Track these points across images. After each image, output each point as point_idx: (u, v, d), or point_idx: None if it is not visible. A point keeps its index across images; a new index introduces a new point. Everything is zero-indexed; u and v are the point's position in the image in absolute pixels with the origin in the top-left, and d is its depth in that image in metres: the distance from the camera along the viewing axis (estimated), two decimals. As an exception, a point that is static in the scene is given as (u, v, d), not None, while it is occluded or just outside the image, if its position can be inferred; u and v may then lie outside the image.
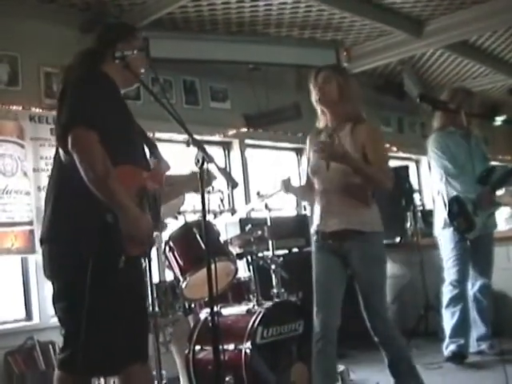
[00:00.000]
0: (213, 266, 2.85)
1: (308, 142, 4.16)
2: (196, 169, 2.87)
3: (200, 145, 2.83)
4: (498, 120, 4.84)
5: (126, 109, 3.01)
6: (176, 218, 5.12)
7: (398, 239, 7.16)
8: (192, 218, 5.37)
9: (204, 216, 2.93)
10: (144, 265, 3.19)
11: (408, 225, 7.13)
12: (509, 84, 9.87)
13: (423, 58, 8.61)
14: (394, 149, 9.27)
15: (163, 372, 4.33)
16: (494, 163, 6.47)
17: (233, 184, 2.86)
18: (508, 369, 4.98)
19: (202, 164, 2.81)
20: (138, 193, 2.87)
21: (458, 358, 5.38)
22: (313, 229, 4.04)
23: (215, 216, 6.34)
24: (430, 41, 7.60)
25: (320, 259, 4.02)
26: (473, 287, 5.66)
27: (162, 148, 3.26)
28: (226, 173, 2.88)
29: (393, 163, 9.41)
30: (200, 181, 2.85)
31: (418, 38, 7.51)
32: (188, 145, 2.88)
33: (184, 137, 3.01)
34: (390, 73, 9.10)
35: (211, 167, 2.87)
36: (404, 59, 8.39)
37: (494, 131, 10.76)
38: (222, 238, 4.86)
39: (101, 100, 2.83)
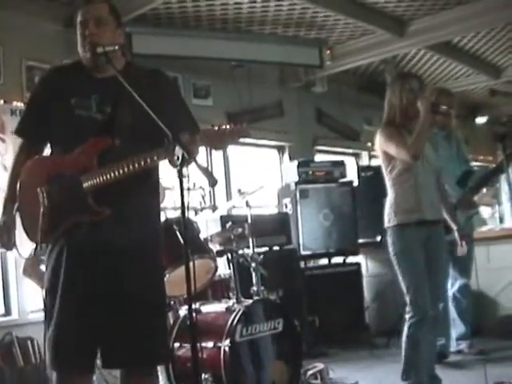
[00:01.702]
0: (191, 264, 2.81)
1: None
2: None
3: (180, 141, 2.79)
4: (479, 120, 4.86)
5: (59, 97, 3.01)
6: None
7: (378, 238, 7.18)
8: (172, 214, 5.37)
9: (183, 213, 2.89)
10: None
11: (385, 225, 7.16)
12: (491, 85, 9.90)
13: (406, 58, 8.64)
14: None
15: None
16: (475, 164, 6.50)
17: (212, 182, 2.83)
18: (487, 368, 5.03)
19: (182, 161, 2.79)
20: (48, 181, 2.91)
21: (439, 357, 5.40)
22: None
23: (196, 213, 6.33)
24: (413, 41, 7.61)
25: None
26: (452, 287, 5.71)
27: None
28: (205, 170, 2.84)
29: (375, 162, 9.44)
30: (179, 178, 2.81)
31: (401, 38, 7.51)
32: (168, 141, 2.85)
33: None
34: (373, 72, 9.12)
35: (191, 165, 2.83)
36: (387, 59, 8.39)
37: (475, 132, 10.83)
38: (202, 235, 4.85)
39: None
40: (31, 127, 3.12)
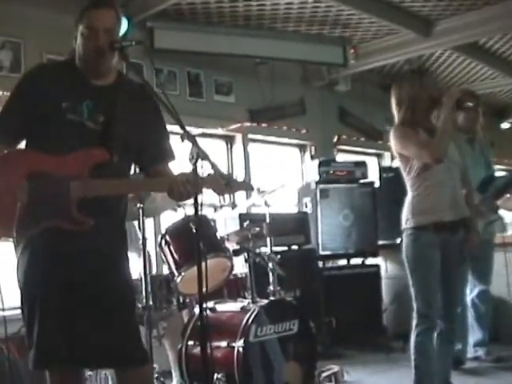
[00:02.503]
0: (203, 264, 2.79)
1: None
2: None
3: (194, 140, 2.77)
4: (505, 124, 4.78)
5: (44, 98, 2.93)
6: (175, 210, 5.10)
7: (398, 240, 7.10)
8: (192, 211, 5.34)
9: (196, 211, 2.87)
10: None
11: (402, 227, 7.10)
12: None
13: (431, 59, 8.54)
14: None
15: (155, 366, 4.31)
16: (499, 168, 6.43)
17: (227, 182, 2.81)
18: (504, 375, 4.97)
19: (196, 160, 2.76)
20: (29, 177, 2.80)
21: (456, 363, 5.33)
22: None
23: (215, 210, 6.32)
24: (439, 41, 7.54)
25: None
26: (471, 293, 5.64)
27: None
28: (218, 170, 2.81)
29: (397, 163, 9.36)
30: (194, 176, 2.79)
31: (427, 38, 7.44)
32: (182, 139, 2.83)
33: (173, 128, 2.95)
34: (398, 72, 9.04)
35: (205, 164, 2.81)
36: (412, 59, 8.32)
37: (500, 135, 10.71)
38: (220, 234, 4.82)
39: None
40: (8, 128, 2.98)
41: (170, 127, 2.98)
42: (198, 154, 2.74)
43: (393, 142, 4.13)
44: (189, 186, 2.81)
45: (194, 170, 2.77)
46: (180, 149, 2.92)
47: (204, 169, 2.79)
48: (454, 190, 4.09)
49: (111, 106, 2.93)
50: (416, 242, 4.03)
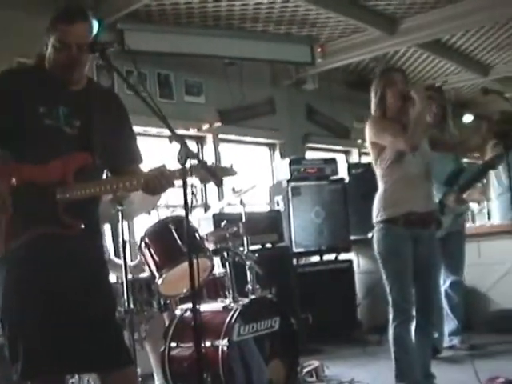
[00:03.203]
0: (187, 264, 2.82)
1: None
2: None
3: (183, 141, 2.80)
4: (468, 117, 4.89)
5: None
6: (149, 213, 5.11)
7: (370, 235, 7.20)
8: (165, 212, 5.37)
9: (186, 213, 2.91)
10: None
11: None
12: (479, 82, 9.95)
13: (396, 56, 8.67)
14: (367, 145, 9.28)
15: (138, 369, 4.31)
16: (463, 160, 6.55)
17: (217, 182, 2.84)
18: (479, 362, 5.08)
19: (185, 161, 2.79)
20: (12, 189, 2.82)
21: (433, 352, 5.44)
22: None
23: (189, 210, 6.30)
24: (404, 39, 7.66)
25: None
26: (444, 283, 5.74)
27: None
28: (210, 169, 2.84)
29: (365, 159, 9.48)
30: (182, 176, 2.82)
31: (392, 36, 7.55)
32: (170, 141, 2.87)
33: (158, 130, 2.98)
34: (363, 69, 9.15)
35: (194, 164, 2.84)
36: (377, 56, 8.43)
37: (463, 129, 10.84)
38: (198, 234, 4.85)
39: None
40: None
41: (155, 129, 3.03)
42: (187, 155, 2.77)
43: (368, 132, 4.17)
44: (163, 180, 2.85)
45: (184, 170, 2.80)
46: (168, 150, 2.95)
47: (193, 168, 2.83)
48: (424, 183, 4.17)
49: (85, 110, 2.96)
50: (387, 235, 4.09)
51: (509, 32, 8.07)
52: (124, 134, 3.13)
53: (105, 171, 3.18)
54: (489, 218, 7.78)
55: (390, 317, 4.14)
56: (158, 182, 2.85)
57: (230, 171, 3.18)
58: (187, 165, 2.74)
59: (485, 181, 7.28)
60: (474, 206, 8.82)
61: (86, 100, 2.97)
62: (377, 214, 4.15)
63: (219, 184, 2.82)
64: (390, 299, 4.14)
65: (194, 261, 2.79)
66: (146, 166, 3.09)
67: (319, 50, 7.75)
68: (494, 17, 7.27)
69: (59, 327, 2.81)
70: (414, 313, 4.14)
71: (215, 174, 2.82)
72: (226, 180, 3.20)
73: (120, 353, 2.98)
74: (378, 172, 4.18)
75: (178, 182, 2.86)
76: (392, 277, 4.11)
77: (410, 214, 4.07)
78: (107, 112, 3.03)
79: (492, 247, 6.65)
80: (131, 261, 5.66)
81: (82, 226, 2.86)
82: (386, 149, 4.10)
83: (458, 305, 5.84)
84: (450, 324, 5.83)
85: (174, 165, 2.86)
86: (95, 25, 3.25)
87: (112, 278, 4.53)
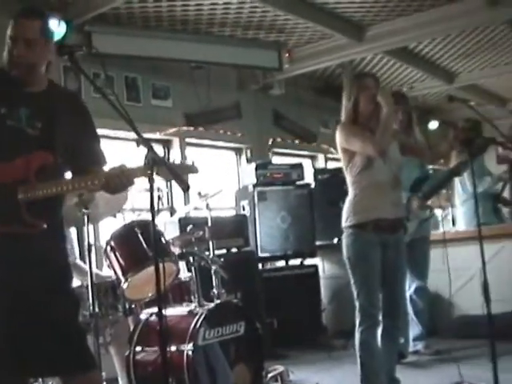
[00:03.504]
0: (152, 269, 2.82)
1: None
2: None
3: (150, 145, 2.80)
4: (432, 124, 4.94)
5: None
6: (114, 216, 5.09)
7: (335, 240, 7.24)
8: (131, 216, 5.35)
9: (152, 217, 2.90)
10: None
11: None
12: (445, 90, 10.06)
13: (363, 62, 8.72)
14: (333, 151, 9.33)
15: (102, 374, 4.29)
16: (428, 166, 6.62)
17: (184, 187, 2.83)
18: (443, 367, 5.13)
19: (153, 166, 2.79)
20: None
21: (398, 357, 5.48)
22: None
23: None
24: (371, 46, 7.71)
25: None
26: (409, 289, 5.78)
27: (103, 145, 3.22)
28: (177, 175, 2.84)
29: (331, 165, 9.53)
30: (150, 182, 2.82)
31: (359, 43, 7.59)
32: (138, 145, 2.87)
33: (125, 134, 2.98)
34: (330, 75, 9.19)
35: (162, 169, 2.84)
36: (344, 63, 8.47)
37: (429, 135, 10.95)
38: (164, 238, 4.83)
39: None
40: None
41: (122, 133, 3.02)
42: (154, 159, 2.77)
43: (338, 138, 4.20)
44: (123, 178, 2.85)
45: (151, 175, 2.80)
46: (135, 153, 2.95)
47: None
48: (393, 190, 4.19)
49: (46, 112, 2.97)
50: (356, 241, 4.11)
51: (474, 41, 8.18)
52: (87, 136, 3.13)
53: (68, 173, 3.17)
54: (454, 224, 7.84)
55: (357, 321, 4.16)
56: (119, 180, 2.87)
57: (191, 169, 3.18)
58: (150, 163, 2.74)
59: (449, 188, 7.36)
60: (438, 212, 8.90)
61: (48, 102, 2.98)
62: (346, 219, 4.16)
63: (185, 189, 2.82)
64: (357, 304, 4.15)
65: (160, 265, 2.79)
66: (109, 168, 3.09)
67: (286, 55, 7.78)
68: (460, 26, 7.36)
69: (21, 327, 2.80)
70: (380, 318, 4.16)
71: (181, 177, 2.82)
72: (190, 179, 3.20)
73: (83, 356, 2.96)
74: (349, 178, 4.20)
75: (144, 185, 2.86)
76: (360, 282, 4.13)
77: (379, 221, 4.10)
78: (70, 114, 3.03)
79: (457, 253, 6.70)
80: (96, 265, 5.64)
81: (45, 226, 2.85)
82: (357, 155, 4.13)
83: (422, 310, 5.89)
84: (414, 329, 5.87)
85: (134, 164, 2.88)
86: (63, 25, 3.24)
87: (76, 281, 4.50)
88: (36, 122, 2.94)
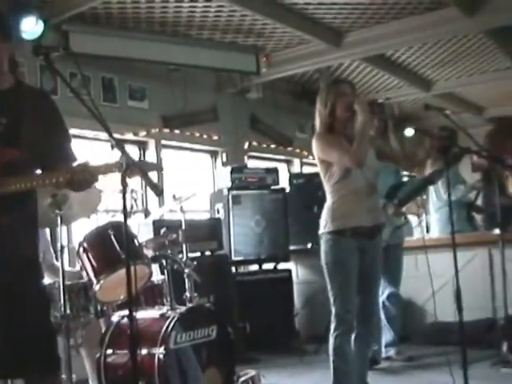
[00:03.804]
0: (124, 271, 2.80)
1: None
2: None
3: (124, 149, 2.80)
4: (408, 131, 4.96)
5: None
6: (88, 217, 5.06)
7: (309, 245, 7.26)
8: (104, 217, 5.32)
9: (125, 219, 2.90)
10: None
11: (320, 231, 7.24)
12: (421, 97, 10.12)
13: (340, 68, 8.76)
14: (309, 155, 9.35)
15: (73, 376, 4.26)
16: (403, 174, 6.66)
17: (157, 192, 2.83)
18: (414, 373, 5.16)
19: (126, 168, 2.78)
20: None
21: (372, 363, 5.50)
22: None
23: (128, 216, 6.25)
24: (349, 52, 7.74)
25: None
26: (382, 295, 5.79)
27: (78, 145, 3.22)
28: (149, 179, 2.84)
29: (306, 169, 9.55)
30: (122, 184, 2.81)
31: (337, 49, 7.62)
32: (112, 147, 2.86)
33: (99, 134, 2.97)
34: (308, 80, 9.22)
35: (136, 171, 2.83)
36: (321, 68, 8.50)
37: (405, 142, 11.01)
38: (137, 241, 4.81)
39: None
40: None
41: (97, 133, 3.01)
42: (128, 162, 2.76)
43: (315, 149, 4.17)
44: (87, 174, 2.85)
45: (124, 178, 2.79)
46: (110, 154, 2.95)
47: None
48: (371, 197, 4.19)
49: (12, 109, 2.97)
50: (334, 246, 4.10)
51: (451, 49, 8.25)
52: (56, 134, 3.12)
53: (36, 169, 3.16)
54: (427, 232, 7.89)
55: (332, 326, 4.14)
56: (83, 176, 2.88)
57: (155, 166, 3.18)
58: (121, 162, 2.74)
59: (424, 195, 7.40)
60: (412, 219, 8.95)
61: (14, 100, 2.98)
62: (324, 226, 4.15)
63: (158, 193, 2.82)
64: (333, 309, 4.14)
65: (132, 268, 2.77)
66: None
67: (264, 59, 7.78)
68: (438, 34, 7.41)
69: None
70: (354, 324, 4.17)
71: (153, 182, 2.82)
72: (164, 181, 3.21)
73: (46, 359, 2.94)
74: (327, 187, 4.19)
75: (118, 186, 2.85)
76: (337, 287, 4.12)
77: (357, 228, 4.10)
78: (38, 112, 3.02)
79: (430, 260, 6.73)
80: (69, 265, 5.61)
81: (6, 222, 2.85)
82: (334, 165, 4.13)
83: (394, 317, 5.91)
84: (386, 335, 5.89)
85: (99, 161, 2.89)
86: (40, 24, 3.22)
87: (48, 281, 4.48)
88: (1, 118, 2.94)
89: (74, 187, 2.92)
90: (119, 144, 2.80)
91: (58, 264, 4.82)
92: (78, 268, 4.84)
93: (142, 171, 2.81)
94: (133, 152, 7.56)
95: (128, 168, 2.74)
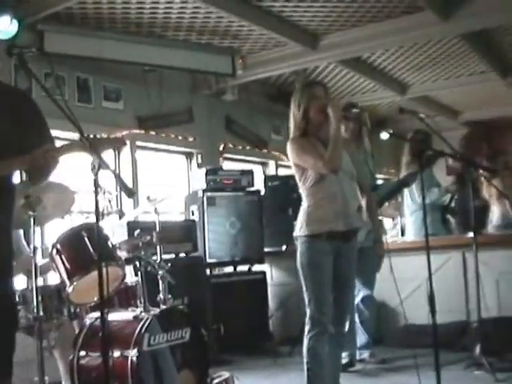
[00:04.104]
0: (104, 271, 2.79)
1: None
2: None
3: (95, 150, 2.78)
4: (384, 134, 4.97)
5: None
6: (62, 217, 5.02)
7: (284, 247, 7.26)
8: (79, 218, 5.29)
9: (97, 220, 2.88)
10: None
11: (294, 233, 7.24)
12: (397, 100, 10.17)
13: (316, 71, 8.78)
14: (284, 158, 9.35)
15: (46, 378, 4.23)
16: (378, 176, 6.68)
17: (129, 193, 2.82)
18: (388, 375, 5.17)
19: (98, 170, 2.77)
20: None
21: (347, 365, 5.52)
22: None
23: (102, 217, 6.23)
24: (325, 54, 7.77)
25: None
26: (356, 297, 5.80)
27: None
28: (121, 181, 2.83)
29: (282, 171, 9.56)
30: (95, 187, 2.79)
31: (313, 51, 7.65)
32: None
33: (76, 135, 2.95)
34: (283, 83, 9.23)
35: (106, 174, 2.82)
36: (298, 70, 8.51)
37: (379, 145, 11.08)
38: (111, 242, 4.79)
39: None
40: None
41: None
42: (100, 164, 2.75)
43: (290, 153, 4.17)
44: (47, 157, 2.85)
45: (96, 180, 2.78)
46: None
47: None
48: (345, 202, 4.17)
49: None
50: (310, 249, 4.10)
51: (427, 53, 8.31)
52: (36, 135, 3.10)
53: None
54: (402, 234, 7.92)
55: (306, 328, 4.14)
56: (44, 160, 2.87)
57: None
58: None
59: (399, 197, 7.43)
60: (387, 221, 8.99)
61: None
62: (300, 229, 4.14)
63: (131, 195, 2.81)
64: (307, 311, 4.14)
65: (105, 269, 2.76)
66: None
67: (240, 61, 7.79)
68: (413, 38, 7.47)
69: None
70: (329, 325, 4.17)
71: (126, 184, 2.81)
72: (141, 185, 3.21)
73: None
74: (302, 190, 4.19)
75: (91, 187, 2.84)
76: (312, 289, 4.12)
77: (332, 232, 4.09)
78: (18, 112, 2.99)
79: (404, 263, 6.77)
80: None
81: None
82: (309, 169, 4.13)
83: (368, 319, 5.91)
84: (360, 338, 5.90)
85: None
86: (15, 24, 3.21)
87: (22, 284, 4.45)
88: None
89: (36, 173, 2.91)
90: (92, 144, 2.79)
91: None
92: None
93: (112, 171, 2.78)
94: (107, 153, 7.52)
95: (99, 167, 2.73)
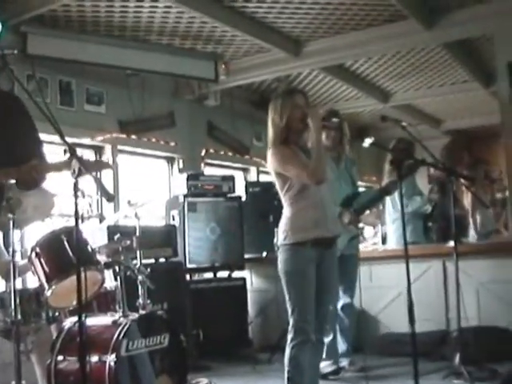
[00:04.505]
0: (82, 276, 2.77)
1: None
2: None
3: (74, 151, 2.77)
4: (366, 142, 4.98)
5: None
6: (42, 221, 4.98)
7: (264, 254, 7.25)
8: (59, 221, 5.25)
9: (76, 223, 2.86)
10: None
11: (275, 240, 7.22)
12: (379, 108, 10.20)
13: (299, 78, 8.79)
14: (266, 164, 9.36)
15: (23, 382, 4.19)
16: (360, 184, 6.68)
17: (108, 197, 2.81)
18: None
19: (79, 174, 2.75)
20: None
21: (332, 373, 5.52)
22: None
23: (82, 221, 6.20)
24: (308, 61, 7.79)
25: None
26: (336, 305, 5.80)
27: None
28: (101, 185, 2.81)
29: (263, 178, 9.55)
30: (74, 191, 2.78)
31: (296, 58, 7.67)
32: (65, 152, 2.83)
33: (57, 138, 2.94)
34: (266, 89, 9.23)
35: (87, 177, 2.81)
36: (280, 77, 8.53)
37: (361, 153, 11.11)
38: (90, 246, 4.75)
39: None
40: None
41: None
42: (80, 168, 2.73)
43: (271, 162, 4.13)
44: (34, 173, 2.84)
45: (76, 183, 2.76)
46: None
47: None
48: (327, 209, 4.18)
49: None
50: (294, 256, 4.07)
51: (410, 62, 8.36)
52: (24, 136, 3.07)
53: None
54: (384, 243, 7.92)
55: (289, 336, 4.10)
56: (29, 176, 2.83)
57: (104, 165, 3.17)
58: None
59: (381, 206, 7.44)
60: (368, 229, 9.00)
61: None
62: (284, 238, 4.10)
63: (110, 199, 2.81)
64: (290, 320, 4.09)
65: (84, 273, 2.74)
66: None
67: (223, 67, 7.80)
68: (396, 46, 7.52)
69: None
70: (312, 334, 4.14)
71: (105, 188, 2.80)
72: (121, 188, 3.21)
73: None
74: (285, 199, 4.15)
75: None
76: (295, 297, 4.08)
77: (318, 239, 4.08)
78: (6, 114, 2.97)
79: (384, 271, 6.79)
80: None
81: None
82: (292, 179, 4.11)
83: (348, 327, 5.90)
84: (340, 346, 5.88)
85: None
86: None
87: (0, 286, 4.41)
88: None
89: (23, 186, 2.90)
90: (70, 147, 2.78)
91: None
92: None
93: (92, 175, 2.77)
94: (88, 156, 7.48)
95: (79, 171, 2.71)
